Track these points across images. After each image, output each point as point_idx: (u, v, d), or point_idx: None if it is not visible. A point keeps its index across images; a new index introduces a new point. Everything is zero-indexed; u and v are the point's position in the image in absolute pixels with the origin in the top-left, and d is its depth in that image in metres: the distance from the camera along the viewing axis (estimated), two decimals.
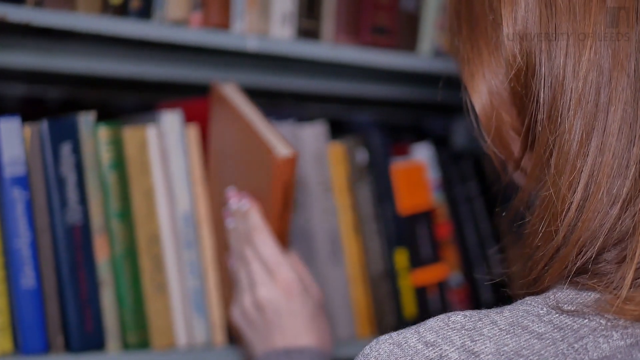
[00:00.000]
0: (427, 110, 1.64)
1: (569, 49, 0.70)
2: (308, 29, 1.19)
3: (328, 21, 1.21)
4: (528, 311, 0.70)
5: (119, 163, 1.08)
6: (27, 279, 1.02)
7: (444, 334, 0.68)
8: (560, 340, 0.67)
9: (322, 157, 1.21)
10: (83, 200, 1.06)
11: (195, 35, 1.13)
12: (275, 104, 1.52)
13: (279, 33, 1.17)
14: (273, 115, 1.16)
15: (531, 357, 0.66)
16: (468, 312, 0.70)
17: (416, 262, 1.26)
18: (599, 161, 0.68)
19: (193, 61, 1.29)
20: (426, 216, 1.28)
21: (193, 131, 1.14)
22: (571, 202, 0.69)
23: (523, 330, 0.68)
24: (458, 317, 0.70)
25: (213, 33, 1.13)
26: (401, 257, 1.25)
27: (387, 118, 1.71)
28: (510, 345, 0.67)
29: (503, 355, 0.67)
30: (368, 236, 1.24)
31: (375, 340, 0.71)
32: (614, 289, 0.68)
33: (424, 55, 1.27)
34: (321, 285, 1.17)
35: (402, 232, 1.25)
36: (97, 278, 1.06)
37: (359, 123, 1.69)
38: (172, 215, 1.12)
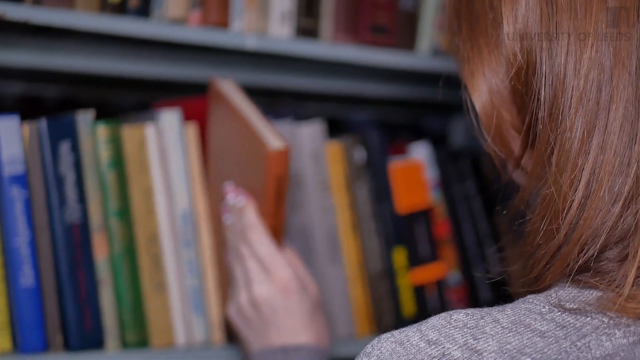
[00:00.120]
0: (425, 109, 1.65)
1: (570, 47, 0.70)
2: (307, 28, 1.19)
3: (327, 20, 1.21)
4: (530, 309, 0.70)
5: (118, 161, 1.08)
6: (26, 278, 1.02)
7: (446, 332, 0.68)
8: (563, 339, 0.68)
9: (320, 155, 1.21)
10: (82, 198, 1.05)
11: (194, 33, 1.12)
12: (274, 103, 1.52)
13: (278, 32, 1.17)
14: (271, 113, 1.16)
15: (534, 355, 0.66)
16: (470, 310, 0.70)
17: (414, 260, 1.26)
18: (601, 159, 0.69)
19: (192, 60, 1.29)
20: (424, 215, 1.28)
21: (192, 130, 1.14)
22: (573, 200, 0.69)
23: (525, 329, 0.68)
24: (460, 315, 0.70)
25: (212, 32, 1.13)
26: (399, 256, 1.25)
27: (385, 117, 1.71)
28: (513, 344, 0.67)
29: (506, 353, 0.67)
30: (366, 235, 1.24)
31: (377, 339, 0.71)
32: (617, 287, 0.68)
33: (423, 54, 1.27)
34: (320, 284, 1.16)
35: (401, 231, 1.25)
36: (96, 277, 1.06)
37: (357, 122, 1.69)
38: (171, 214, 1.12)
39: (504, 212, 0.79)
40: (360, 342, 1.20)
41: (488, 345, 0.67)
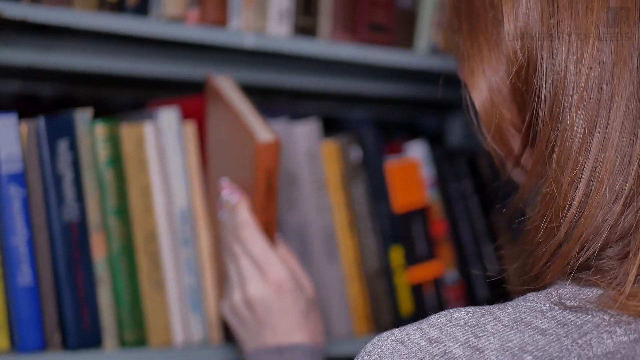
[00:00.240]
0: (422, 107, 1.65)
1: (571, 46, 0.70)
2: (305, 26, 1.19)
3: (325, 18, 1.21)
4: (531, 307, 0.70)
5: (116, 160, 1.08)
6: (24, 277, 1.02)
7: (447, 330, 0.68)
8: (564, 336, 0.68)
9: (316, 154, 1.21)
10: (80, 197, 1.05)
11: (192, 32, 1.12)
12: (270, 101, 1.52)
13: (276, 30, 1.17)
14: (267, 112, 1.15)
15: (536, 353, 0.67)
16: (470, 309, 0.70)
17: (411, 259, 1.26)
18: (601, 157, 0.69)
19: (190, 58, 1.29)
20: (421, 213, 1.28)
21: (190, 128, 1.14)
22: (573, 199, 0.69)
23: (527, 327, 0.68)
24: (460, 314, 0.70)
25: (210, 30, 1.13)
26: (396, 255, 1.25)
27: (381, 115, 1.71)
28: (515, 341, 0.67)
29: (507, 351, 0.67)
30: (363, 234, 1.24)
31: (377, 338, 0.70)
32: (617, 285, 0.69)
33: (421, 52, 1.28)
34: (317, 283, 1.16)
35: (397, 229, 1.25)
36: (94, 275, 1.06)
37: (353, 120, 1.69)
38: (169, 213, 1.11)
39: (503, 211, 0.79)
40: (358, 341, 1.20)
41: (489, 343, 0.67)
